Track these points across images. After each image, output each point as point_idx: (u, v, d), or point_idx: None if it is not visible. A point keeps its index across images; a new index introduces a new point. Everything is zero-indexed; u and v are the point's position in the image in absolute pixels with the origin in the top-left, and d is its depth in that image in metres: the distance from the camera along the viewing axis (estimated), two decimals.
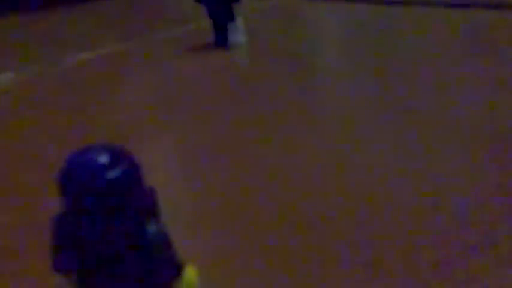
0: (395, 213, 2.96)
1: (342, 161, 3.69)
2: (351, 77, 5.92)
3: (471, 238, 2.65)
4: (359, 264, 2.53)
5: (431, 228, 2.76)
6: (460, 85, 5.17)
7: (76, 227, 1.40)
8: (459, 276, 2.37)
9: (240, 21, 7.87)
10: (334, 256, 2.61)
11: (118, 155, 1.34)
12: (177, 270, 1.49)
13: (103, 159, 1.31)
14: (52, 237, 1.48)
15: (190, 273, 1.51)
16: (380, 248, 2.64)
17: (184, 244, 2.67)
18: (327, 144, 4.04)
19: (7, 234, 3.11)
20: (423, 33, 7.61)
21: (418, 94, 5.00)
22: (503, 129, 3.93)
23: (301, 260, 2.61)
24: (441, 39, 7.12)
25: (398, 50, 6.92)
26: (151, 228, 1.41)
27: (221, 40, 7.81)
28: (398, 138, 4.01)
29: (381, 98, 5.07)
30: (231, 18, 7.71)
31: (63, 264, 1.48)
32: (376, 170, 3.50)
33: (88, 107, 5.44)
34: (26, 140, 4.67)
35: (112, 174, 1.30)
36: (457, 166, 3.45)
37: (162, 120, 4.97)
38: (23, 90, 6.29)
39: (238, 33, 7.87)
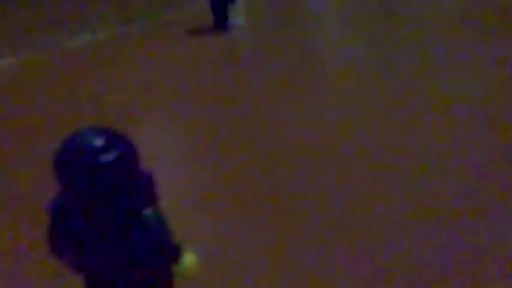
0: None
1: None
2: (352, 66, 5.87)
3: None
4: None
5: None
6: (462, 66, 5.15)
7: (72, 210, 1.37)
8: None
9: (239, 3, 7.79)
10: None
11: (113, 138, 1.31)
12: (174, 254, 1.47)
13: (98, 142, 1.28)
14: (49, 222, 1.45)
15: (189, 258, 1.48)
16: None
17: (187, 227, 2.65)
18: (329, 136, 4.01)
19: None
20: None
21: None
22: None
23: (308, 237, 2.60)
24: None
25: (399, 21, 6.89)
26: (148, 211, 1.38)
27: (220, 22, 7.72)
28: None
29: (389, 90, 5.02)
30: None
31: (61, 248, 1.46)
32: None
33: (87, 89, 5.36)
34: (25, 122, 4.64)
35: (107, 157, 1.27)
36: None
37: (160, 102, 4.90)
38: (23, 73, 6.24)
39: (237, 15, 7.79)
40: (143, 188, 1.39)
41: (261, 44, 6.88)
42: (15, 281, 2.50)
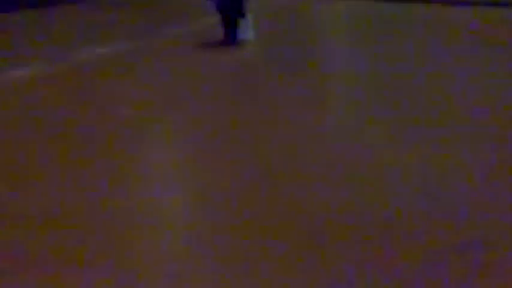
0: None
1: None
2: (355, 83, 6.03)
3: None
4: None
5: None
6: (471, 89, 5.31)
7: None
8: None
9: (249, 18, 7.94)
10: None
11: None
12: None
13: None
14: None
15: None
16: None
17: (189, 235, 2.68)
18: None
19: None
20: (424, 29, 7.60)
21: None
22: None
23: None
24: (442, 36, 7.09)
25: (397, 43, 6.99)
26: None
27: (230, 36, 7.87)
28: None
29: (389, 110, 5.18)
30: (241, 14, 7.77)
31: None
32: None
33: (98, 102, 5.48)
34: (36, 134, 4.69)
35: None
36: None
37: (170, 114, 5.02)
38: (35, 86, 6.22)
39: (247, 30, 7.94)
40: None
41: (270, 58, 7.00)
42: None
